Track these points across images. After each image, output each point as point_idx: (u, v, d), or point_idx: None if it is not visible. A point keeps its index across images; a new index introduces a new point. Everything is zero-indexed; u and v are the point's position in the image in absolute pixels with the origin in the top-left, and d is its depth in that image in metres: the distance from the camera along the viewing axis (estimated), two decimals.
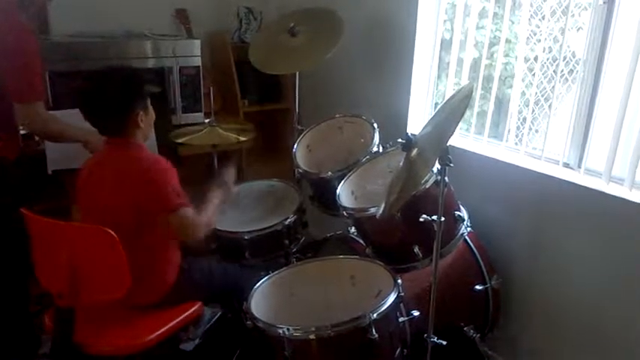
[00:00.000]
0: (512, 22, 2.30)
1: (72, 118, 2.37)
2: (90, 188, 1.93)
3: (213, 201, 2.05)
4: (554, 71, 2.15)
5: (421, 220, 1.80)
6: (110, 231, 1.64)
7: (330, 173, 2.32)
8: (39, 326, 2.37)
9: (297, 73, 2.87)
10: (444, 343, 1.87)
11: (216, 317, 2.21)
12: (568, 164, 2.13)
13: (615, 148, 1.93)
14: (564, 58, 2.11)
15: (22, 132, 2.47)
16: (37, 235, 1.83)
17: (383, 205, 1.73)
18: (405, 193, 1.73)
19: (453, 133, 1.60)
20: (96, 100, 1.87)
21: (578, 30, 2.12)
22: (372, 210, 1.94)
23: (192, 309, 1.98)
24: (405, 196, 1.77)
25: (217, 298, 2.14)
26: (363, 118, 2.51)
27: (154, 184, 1.83)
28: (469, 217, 2.08)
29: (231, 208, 2.50)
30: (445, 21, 2.56)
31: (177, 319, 1.93)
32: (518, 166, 2.22)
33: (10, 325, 2.27)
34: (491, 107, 2.36)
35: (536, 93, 2.22)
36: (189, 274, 2.03)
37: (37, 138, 2.67)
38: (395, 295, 1.79)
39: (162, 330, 1.88)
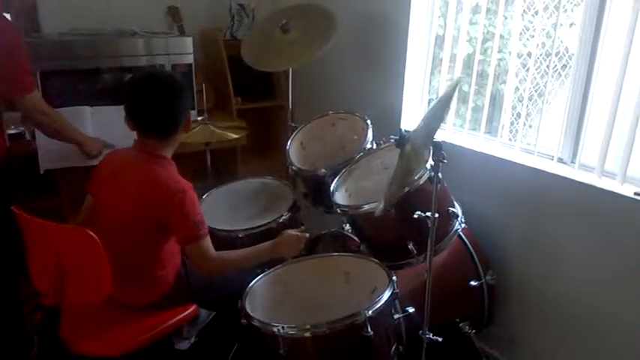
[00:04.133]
0: (505, 18, 2.30)
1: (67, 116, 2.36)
2: (111, 188, 1.90)
3: (252, 249, 2.02)
4: (547, 67, 2.15)
5: (415, 216, 1.80)
6: (92, 234, 1.62)
7: (323, 170, 2.31)
8: (32, 326, 2.36)
9: (290, 70, 2.86)
10: (440, 339, 1.87)
11: (212, 316, 2.20)
12: (562, 159, 2.14)
13: (607, 142, 1.94)
14: (557, 53, 2.11)
15: (10, 132, 2.46)
16: (27, 234, 1.82)
17: (382, 203, 1.72)
18: (399, 189, 1.73)
19: (439, 127, 1.61)
20: (153, 104, 1.84)
21: (570, 25, 2.12)
22: (366, 207, 1.94)
23: (186, 312, 1.97)
24: (399, 193, 1.77)
25: (214, 304, 2.12)
26: (357, 114, 2.50)
27: (178, 212, 1.81)
28: (463, 213, 2.08)
29: (225, 206, 2.49)
30: (438, 17, 2.56)
31: (170, 322, 1.92)
32: (512, 162, 2.22)
33: (1, 325, 2.25)
34: (486, 103, 2.36)
35: (529, 88, 2.23)
36: (187, 279, 2.02)
37: (28, 138, 2.66)
38: (390, 292, 1.79)
39: (154, 332, 1.87)
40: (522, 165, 2.18)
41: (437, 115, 1.69)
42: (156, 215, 1.82)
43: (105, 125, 2.52)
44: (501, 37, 2.31)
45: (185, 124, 1.93)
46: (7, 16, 2.18)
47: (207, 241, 1.88)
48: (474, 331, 2.20)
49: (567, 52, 2.12)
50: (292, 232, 2.04)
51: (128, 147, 1.95)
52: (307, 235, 2.06)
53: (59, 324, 1.77)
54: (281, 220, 2.29)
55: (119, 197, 1.86)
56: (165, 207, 1.80)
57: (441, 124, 1.61)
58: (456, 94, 2.26)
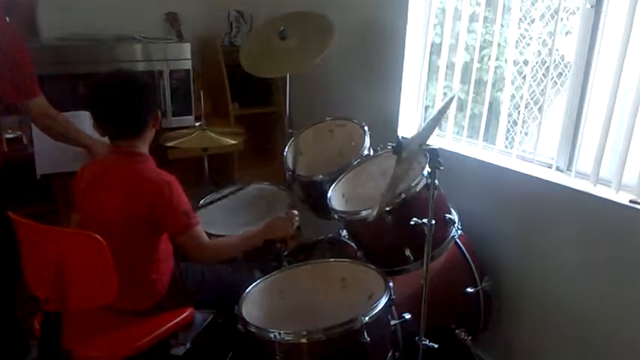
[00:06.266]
0: (502, 26, 2.31)
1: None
2: (92, 196, 1.89)
3: (245, 234, 2.06)
4: (543, 74, 2.16)
5: (412, 223, 1.81)
6: (98, 237, 1.62)
7: (321, 176, 2.32)
8: (28, 331, 2.35)
9: (288, 77, 2.86)
10: (436, 345, 1.87)
11: (207, 322, 2.20)
12: (558, 167, 2.15)
13: (602, 150, 1.95)
14: (554, 61, 2.12)
15: (8, 136, 2.45)
16: (24, 239, 1.81)
17: (376, 208, 1.72)
18: (394, 194, 1.74)
19: (431, 134, 1.64)
20: (117, 103, 1.83)
21: (567, 34, 2.14)
22: (363, 213, 1.94)
23: (183, 315, 1.97)
24: (393, 198, 1.78)
25: (210, 304, 2.13)
26: (354, 121, 2.51)
27: (167, 205, 1.81)
28: (460, 220, 2.09)
29: (222, 212, 2.49)
30: (435, 25, 2.57)
31: (168, 325, 1.92)
32: (508, 169, 2.23)
33: None
34: (485, 111, 2.37)
35: (526, 96, 2.24)
36: (183, 281, 2.02)
37: (25, 142, 2.66)
38: (386, 298, 1.79)
39: (153, 336, 1.87)
40: (518, 172, 2.19)
41: (430, 123, 1.71)
42: (146, 212, 1.81)
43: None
44: (498, 45, 2.32)
45: (154, 119, 1.92)
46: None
47: (200, 229, 1.90)
48: (470, 337, 2.20)
49: (563, 60, 2.13)
50: (281, 214, 2.11)
51: (102, 156, 1.96)
52: (296, 213, 2.09)
53: (60, 329, 1.76)
54: None
55: (105, 204, 1.85)
56: (153, 202, 1.81)
57: (434, 132, 1.62)
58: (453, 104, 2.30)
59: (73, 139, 2.29)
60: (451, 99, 1.79)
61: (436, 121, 1.73)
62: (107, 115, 1.86)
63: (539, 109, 2.19)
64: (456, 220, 2.06)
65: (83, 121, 2.49)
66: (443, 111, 1.74)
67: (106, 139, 1.92)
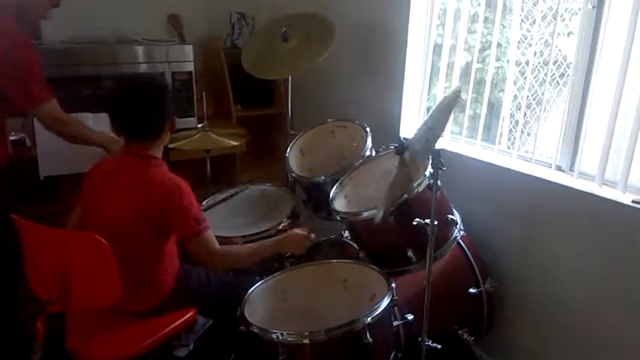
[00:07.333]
0: (504, 27, 2.32)
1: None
2: (102, 196, 1.89)
3: (256, 245, 2.06)
4: (545, 75, 2.16)
5: (414, 223, 1.81)
6: (101, 239, 1.62)
7: (323, 177, 2.32)
8: (31, 333, 2.36)
9: (290, 78, 2.87)
10: (439, 346, 1.87)
11: (210, 324, 2.21)
12: (559, 167, 2.15)
13: (607, 151, 1.94)
14: (555, 62, 2.12)
15: (11, 138, 2.45)
16: (28, 241, 1.81)
17: (381, 210, 1.72)
18: (398, 195, 1.74)
19: (440, 135, 1.63)
20: (137, 107, 1.84)
21: (568, 34, 2.13)
22: (366, 214, 1.95)
23: (186, 316, 1.97)
24: (398, 199, 1.78)
25: (213, 308, 2.13)
26: (356, 122, 2.51)
27: (177, 209, 1.82)
28: (462, 221, 2.09)
29: (224, 213, 2.50)
30: (437, 25, 2.57)
31: (171, 326, 1.92)
32: (510, 170, 2.23)
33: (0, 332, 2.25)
34: (483, 111, 2.37)
35: (527, 97, 2.24)
36: (187, 281, 2.02)
37: (28, 144, 2.67)
38: (389, 299, 1.79)
39: (156, 337, 1.87)
40: (521, 173, 2.19)
41: (437, 123, 1.70)
42: (156, 215, 1.82)
43: (106, 132, 2.52)
44: (499, 45, 2.32)
45: (171, 124, 1.93)
46: None
47: (210, 235, 1.90)
48: (472, 338, 2.20)
49: (565, 61, 2.13)
50: (299, 230, 2.08)
51: (114, 154, 1.95)
52: (313, 235, 2.08)
53: (65, 331, 1.76)
54: (280, 227, 2.29)
55: (115, 204, 1.86)
56: (164, 205, 1.81)
57: (442, 133, 1.61)
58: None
59: (87, 139, 2.28)
60: (456, 95, 1.75)
61: (443, 120, 1.70)
62: (127, 117, 1.86)
63: (541, 110, 2.19)
64: (459, 221, 2.06)
65: (85, 123, 2.50)
66: (448, 107, 1.71)
67: (121, 139, 1.93)
